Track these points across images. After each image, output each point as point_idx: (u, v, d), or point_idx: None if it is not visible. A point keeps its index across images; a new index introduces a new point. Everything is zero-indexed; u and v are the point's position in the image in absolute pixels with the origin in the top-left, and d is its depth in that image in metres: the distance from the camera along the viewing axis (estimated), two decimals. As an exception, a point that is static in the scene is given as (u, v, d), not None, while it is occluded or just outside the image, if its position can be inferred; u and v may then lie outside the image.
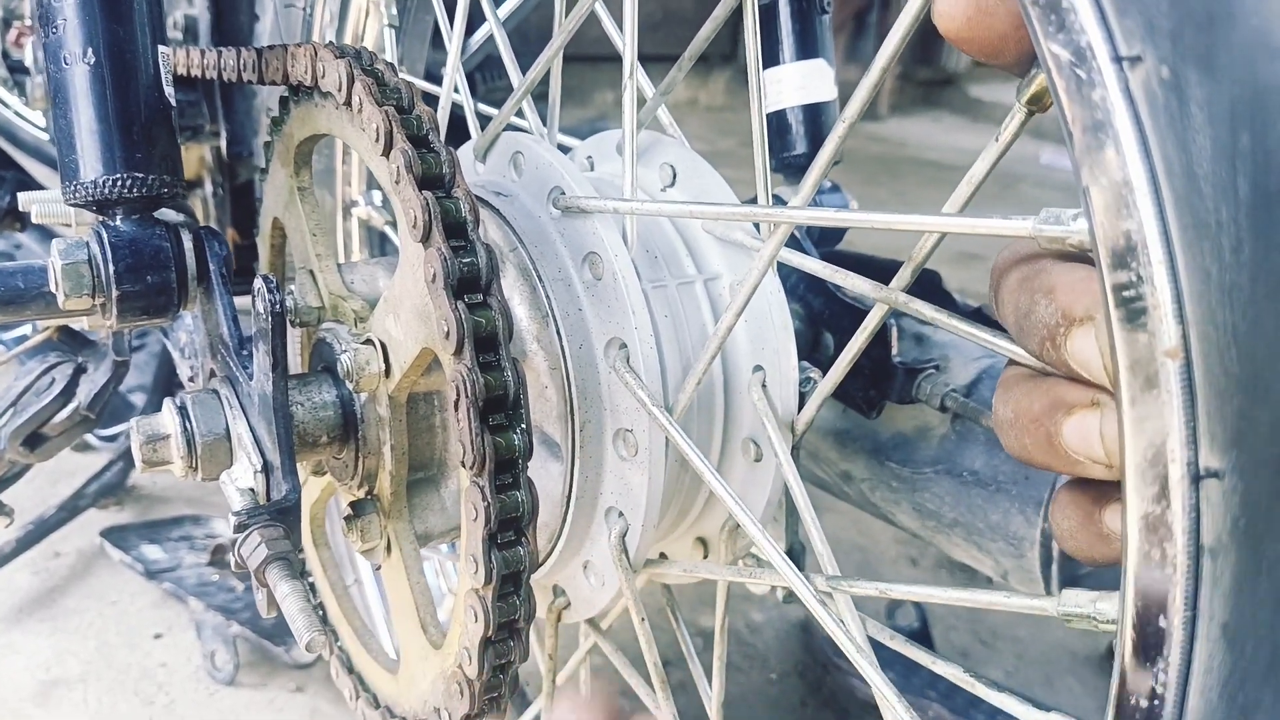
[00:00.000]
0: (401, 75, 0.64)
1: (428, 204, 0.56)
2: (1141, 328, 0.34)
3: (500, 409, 0.55)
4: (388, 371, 0.65)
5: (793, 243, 0.89)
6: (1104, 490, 0.43)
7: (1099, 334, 0.38)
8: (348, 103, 0.62)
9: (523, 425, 0.56)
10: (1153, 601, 0.36)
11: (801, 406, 0.68)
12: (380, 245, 1.29)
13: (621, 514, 0.65)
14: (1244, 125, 0.33)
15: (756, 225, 0.66)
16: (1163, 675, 0.36)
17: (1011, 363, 0.47)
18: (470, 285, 0.56)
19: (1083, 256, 0.41)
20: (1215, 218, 0.33)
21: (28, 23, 2.08)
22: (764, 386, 0.67)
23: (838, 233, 0.97)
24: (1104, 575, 0.75)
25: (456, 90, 0.84)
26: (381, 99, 0.60)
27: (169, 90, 0.69)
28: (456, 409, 0.54)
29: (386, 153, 0.59)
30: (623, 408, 0.63)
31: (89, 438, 1.86)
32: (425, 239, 0.56)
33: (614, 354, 0.62)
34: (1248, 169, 0.33)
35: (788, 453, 0.63)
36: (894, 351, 0.81)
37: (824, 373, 0.72)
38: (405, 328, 0.62)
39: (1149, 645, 0.37)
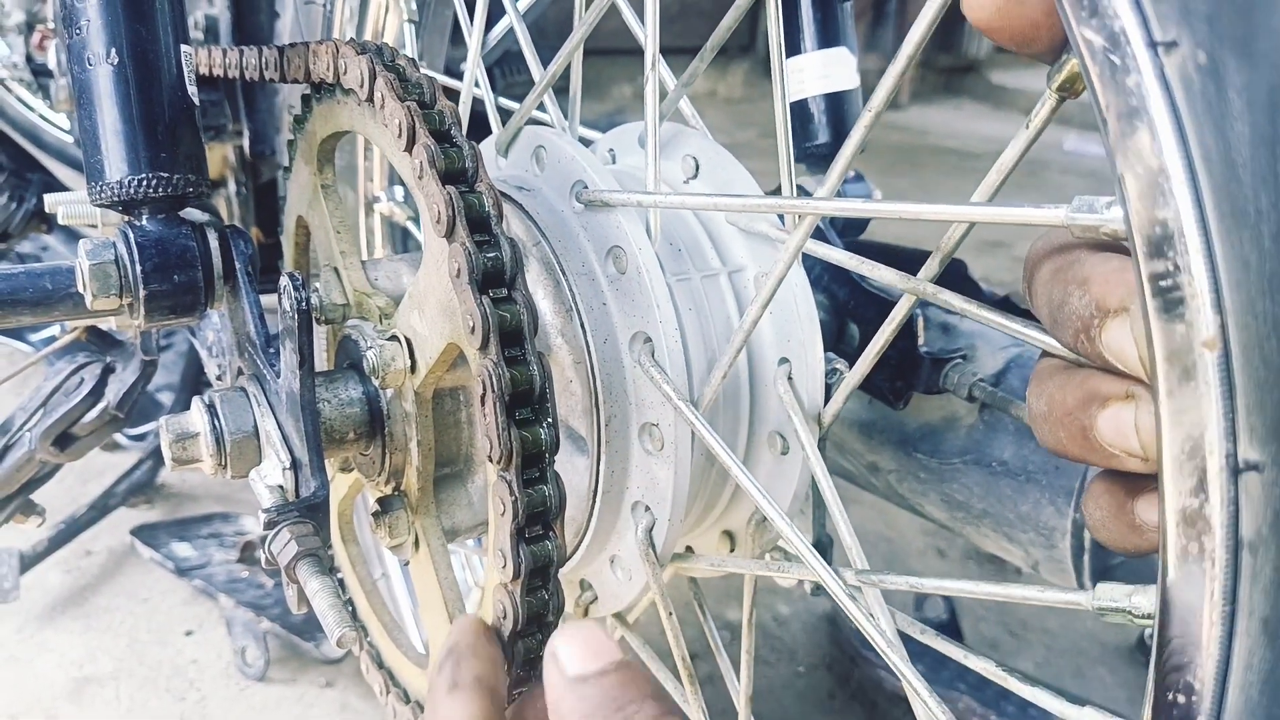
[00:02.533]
0: (422, 70, 0.64)
1: (451, 199, 0.55)
2: (1179, 318, 0.34)
3: (526, 403, 0.55)
4: (413, 367, 0.65)
5: (818, 234, 0.88)
6: (1138, 481, 0.42)
7: (1134, 325, 0.38)
8: (370, 99, 0.62)
9: (549, 419, 0.55)
10: (1190, 597, 0.36)
11: (828, 399, 0.67)
12: (403, 241, 1.30)
13: (648, 508, 0.65)
14: None
15: (781, 217, 0.66)
16: (1201, 671, 0.36)
17: (1044, 354, 0.47)
18: (495, 280, 0.56)
19: (1117, 246, 0.41)
20: (1255, 205, 0.32)
21: (51, 26, 2.10)
22: (790, 379, 0.66)
23: (861, 223, 0.96)
24: (1137, 565, 0.74)
25: (477, 85, 0.84)
26: (404, 95, 0.60)
27: (192, 90, 0.70)
28: (483, 404, 0.54)
29: (409, 148, 0.59)
30: (648, 402, 0.63)
31: (118, 437, 1.88)
32: (449, 234, 0.56)
33: (639, 348, 0.62)
34: None
35: (814, 446, 0.63)
36: (920, 341, 0.80)
37: (850, 364, 0.72)
38: (430, 323, 0.62)
39: (1186, 641, 0.36)
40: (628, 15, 0.72)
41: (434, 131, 0.58)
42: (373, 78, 0.61)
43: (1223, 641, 0.35)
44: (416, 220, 1.21)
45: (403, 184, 1.24)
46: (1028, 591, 0.48)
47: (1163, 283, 0.34)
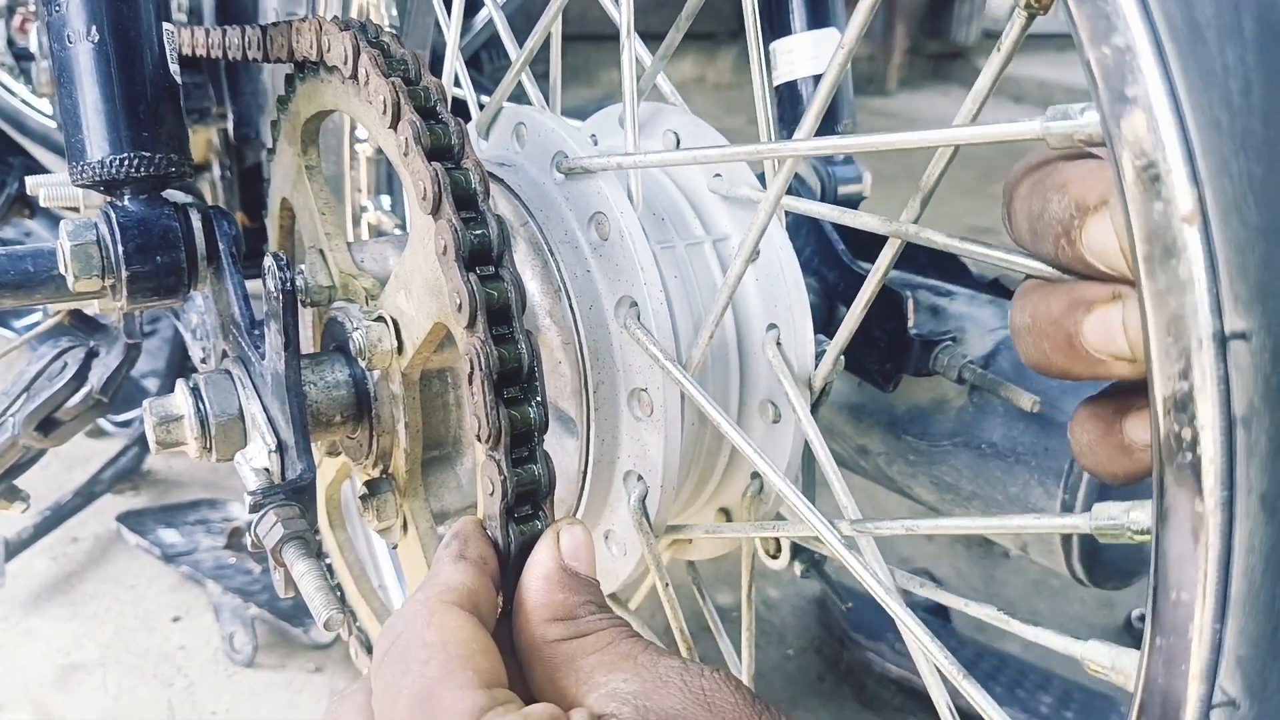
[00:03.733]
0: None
1: (437, 175, 0.55)
2: (1157, 195, 0.33)
3: (515, 382, 0.55)
4: (400, 348, 0.64)
5: (802, 193, 0.88)
6: (1124, 400, 0.42)
7: (1114, 217, 0.37)
8: (354, 76, 0.61)
9: (538, 398, 0.55)
10: (1186, 491, 0.35)
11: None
12: (388, 182, 1.29)
13: (640, 477, 0.65)
14: None
15: (761, 180, 0.65)
16: (1203, 564, 0.35)
17: (1028, 277, 0.46)
18: (482, 257, 0.55)
19: (1093, 153, 0.41)
20: (1221, 63, 0.32)
21: (32, 9, 2.08)
22: (779, 345, 0.66)
23: (852, 204, 0.96)
24: (1126, 548, 0.74)
25: (457, 83, 0.83)
26: (388, 71, 0.59)
27: (175, 68, 0.69)
28: (470, 382, 0.54)
29: (394, 124, 0.58)
30: (635, 366, 0.63)
31: (103, 423, 1.86)
32: (435, 211, 0.55)
33: (624, 312, 0.62)
34: (1251, 4, 0.32)
35: (806, 409, 0.62)
36: (910, 324, 0.80)
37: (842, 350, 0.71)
38: (417, 303, 0.61)
39: (1185, 537, 0.35)
40: None
41: (419, 108, 0.58)
42: (356, 54, 0.60)
43: (1223, 529, 0.34)
44: (404, 227, 1.20)
45: (390, 193, 1.24)
46: (1024, 520, 0.48)
47: (1138, 162, 0.34)
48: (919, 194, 0.53)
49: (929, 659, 0.51)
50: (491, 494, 0.54)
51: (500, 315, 0.55)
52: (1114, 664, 0.42)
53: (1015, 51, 0.45)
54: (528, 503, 0.55)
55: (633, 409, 0.64)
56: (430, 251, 0.57)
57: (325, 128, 1.05)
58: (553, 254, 0.65)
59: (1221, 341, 0.33)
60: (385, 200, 1.23)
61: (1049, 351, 0.43)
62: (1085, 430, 0.44)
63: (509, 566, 0.54)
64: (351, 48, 0.61)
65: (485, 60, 2.47)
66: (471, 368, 0.54)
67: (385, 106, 0.58)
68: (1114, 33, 0.33)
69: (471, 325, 0.54)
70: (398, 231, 1.21)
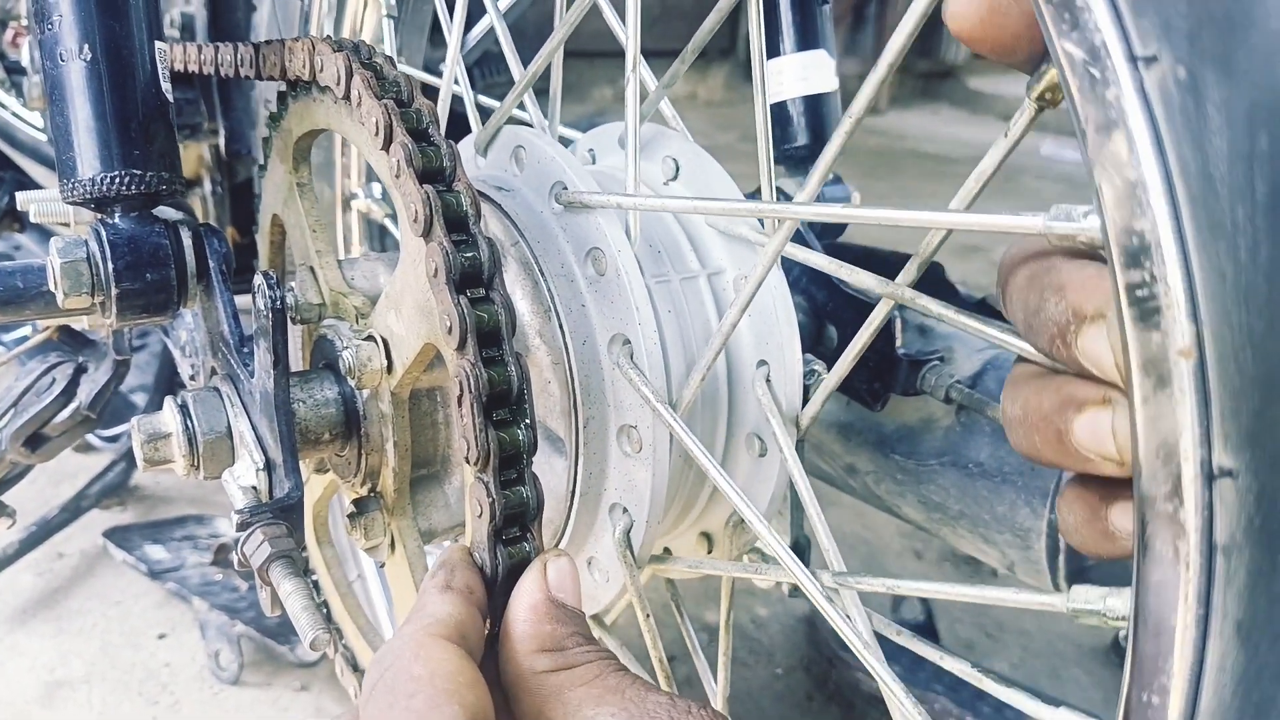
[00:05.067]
0: (401, 66, 0.64)
1: (429, 198, 0.55)
2: (1155, 326, 0.34)
3: (504, 404, 0.55)
4: (390, 368, 0.65)
5: (797, 237, 0.89)
6: (1111, 488, 0.43)
7: (1110, 332, 0.38)
8: (346, 97, 0.61)
9: (527, 420, 0.55)
10: (1164, 600, 0.36)
11: (806, 400, 0.67)
12: (381, 239, 1.29)
13: (626, 510, 0.65)
14: (1262, 127, 0.32)
15: (761, 220, 0.66)
16: (1174, 673, 0.36)
17: (1020, 360, 0.47)
18: (472, 280, 0.55)
19: (1093, 254, 0.41)
20: (1231, 219, 0.32)
21: (24, 23, 2.08)
22: (768, 381, 0.66)
23: (841, 225, 0.96)
24: (1112, 565, 0.74)
25: (456, 83, 0.83)
26: (381, 92, 0.60)
27: (166, 86, 0.69)
28: (460, 404, 0.54)
29: (386, 147, 0.58)
30: (626, 403, 0.63)
31: (91, 438, 1.86)
32: (426, 233, 0.56)
33: (617, 350, 0.62)
34: (1265, 171, 0.32)
35: (792, 448, 0.63)
36: (898, 343, 0.80)
37: (828, 365, 0.72)
38: (407, 323, 0.62)
39: (1160, 644, 0.36)
40: (609, 16, 0.72)
41: (411, 130, 0.58)
42: (349, 75, 0.61)
43: (1196, 644, 0.35)
44: (394, 217, 1.20)
45: (380, 181, 1.23)
46: (1004, 593, 0.48)
47: (1139, 292, 0.34)
48: (915, 260, 0.53)
49: (905, 714, 0.51)
50: (480, 516, 0.55)
51: (490, 338, 0.55)
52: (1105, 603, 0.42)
53: (1020, 141, 0.45)
54: (516, 525, 0.55)
55: (622, 445, 0.64)
56: (421, 273, 0.57)
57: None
58: (545, 280, 0.65)
59: (1209, 476, 0.33)
60: (376, 188, 1.22)
61: (1039, 445, 0.43)
62: (1072, 511, 0.44)
63: (496, 589, 0.54)
64: (344, 68, 0.61)
65: (478, 77, 2.48)
66: (461, 390, 0.54)
67: (378, 128, 0.58)
68: (1125, 167, 0.34)
69: (462, 347, 0.54)
70: (386, 220, 1.21)
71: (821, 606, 0.55)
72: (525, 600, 0.52)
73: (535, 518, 0.56)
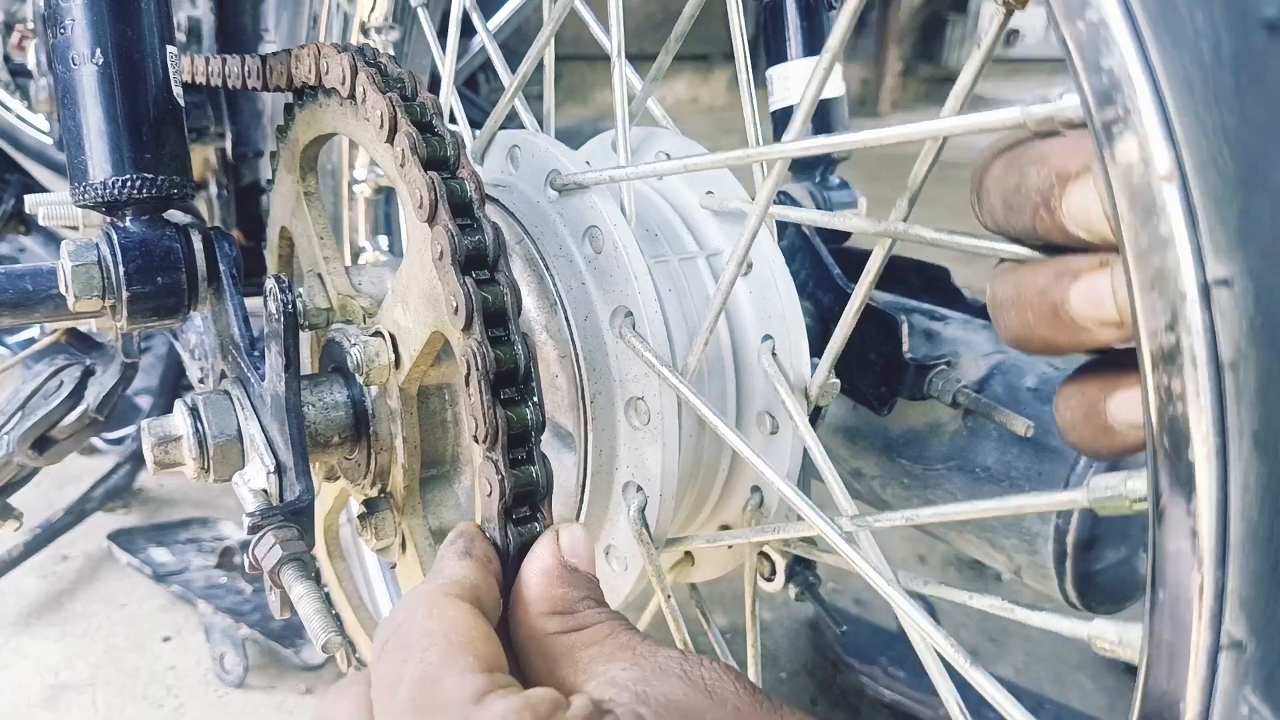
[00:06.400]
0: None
1: (433, 183, 0.56)
2: (1137, 159, 0.34)
3: (511, 383, 0.55)
4: (397, 362, 0.65)
5: (792, 203, 0.89)
6: (1108, 379, 0.43)
7: (1097, 181, 0.38)
8: (351, 96, 0.62)
9: (534, 399, 0.55)
10: (1180, 439, 0.35)
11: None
12: (386, 223, 1.29)
13: (640, 488, 0.65)
14: None
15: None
16: (1202, 513, 0.35)
17: (1002, 261, 0.47)
18: (477, 261, 0.56)
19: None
20: (1192, 25, 0.33)
21: (30, 26, 2.08)
22: (774, 355, 0.66)
23: (843, 233, 0.96)
24: (1119, 569, 0.74)
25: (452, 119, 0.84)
26: (385, 88, 0.60)
27: (178, 90, 0.69)
28: (467, 384, 0.54)
29: (391, 138, 0.59)
30: (631, 375, 0.63)
31: (95, 440, 1.86)
32: (431, 218, 0.56)
33: (619, 322, 0.62)
34: None
35: (803, 415, 0.63)
36: (905, 348, 0.81)
37: (834, 372, 0.72)
38: (414, 314, 0.62)
39: (1182, 490, 0.36)
40: (587, 17, 0.73)
41: (416, 122, 0.59)
42: (354, 73, 0.61)
43: (1219, 475, 0.34)
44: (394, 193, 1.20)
45: (388, 233, 1.25)
46: (1021, 500, 0.49)
47: (1115, 128, 0.35)
48: (907, 193, 0.54)
49: (932, 647, 0.51)
50: (490, 494, 0.55)
51: (496, 317, 0.55)
52: (1121, 639, 0.42)
53: (994, 47, 0.46)
54: (525, 504, 0.56)
55: (630, 418, 0.64)
56: (427, 260, 0.58)
57: (323, 168, 1.06)
58: (548, 269, 0.66)
59: (1205, 290, 0.34)
60: (383, 240, 1.24)
61: (1033, 323, 0.43)
62: (1069, 407, 0.44)
63: (507, 567, 0.54)
64: (349, 67, 0.62)
65: (482, 81, 2.48)
66: (468, 369, 0.54)
67: (382, 121, 0.59)
68: (1087, 8, 0.35)
69: (468, 327, 0.54)
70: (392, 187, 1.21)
71: (845, 552, 0.55)
72: (537, 564, 0.52)
73: (545, 496, 0.56)
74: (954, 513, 0.52)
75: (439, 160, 0.58)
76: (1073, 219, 0.40)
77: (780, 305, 0.67)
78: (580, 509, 0.68)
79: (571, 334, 0.64)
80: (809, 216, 0.60)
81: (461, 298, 0.54)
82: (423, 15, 0.90)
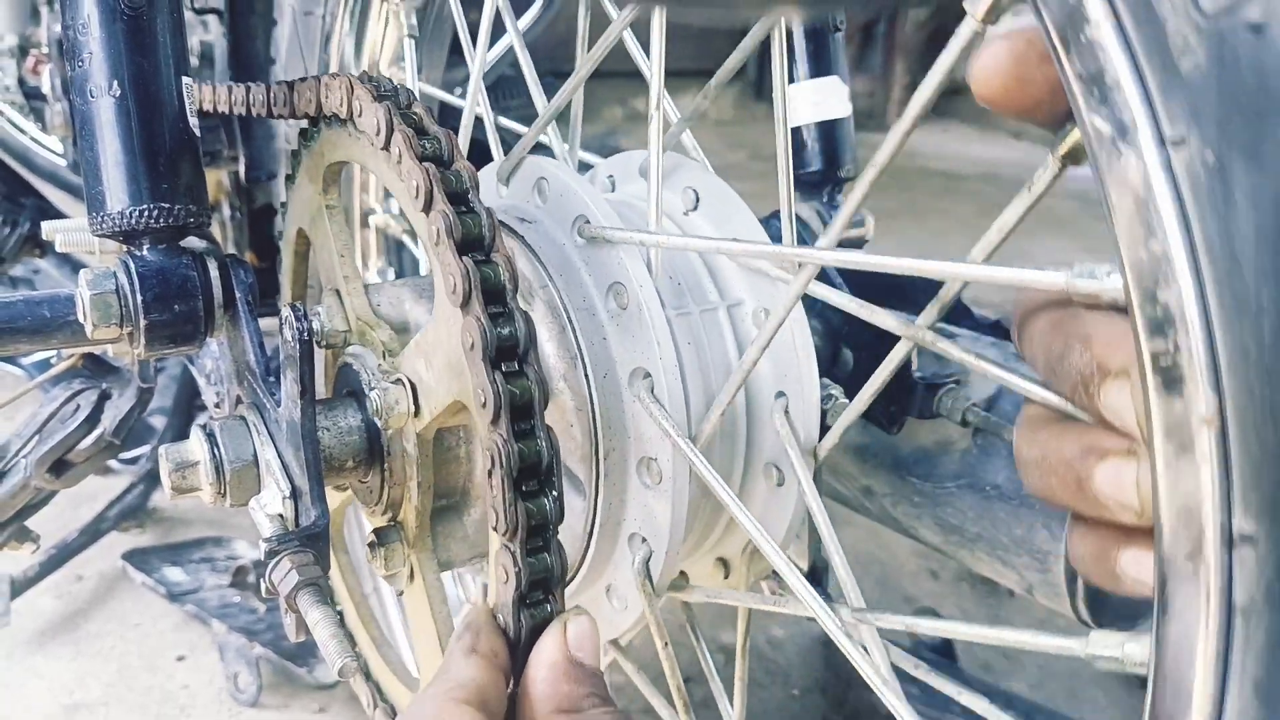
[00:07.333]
0: (421, 85, 0.64)
1: (468, 273, 0.56)
2: (1178, 394, 0.34)
3: (534, 476, 0.56)
4: (417, 412, 0.65)
5: (821, 274, 0.89)
6: (1122, 533, 0.43)
7: (1134, 392, 0.38)
8: (386, 148, 0.62)
9: (555, 491, 0.56)
10: (1183, 660, 0.36)
11: (823, 430, 0.68)
12: (398, 253, 1.30)
13: (645, 540, 0.65)
14: None
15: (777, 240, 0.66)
16: None
17: (1030, 402, 0.47)
18: (508, 354, 0.56)
19: (1117, 308, 0.41)
20: (1256, 300, 0.32)
21: (44, 51, 2.10)
22: (786, 413, 0.67)
23: (854, 247, 0.97)
24: (1131, 599, 0.74)
25: (479, 118, 0.85)
26: (421, 153, 0.60)
27: (193, 120, 0.70)
28: (490, 477, 0.55)
29: (426, 210, 0.59)
30: (647, 436, 0.63)
31: (110, 460, 1.87)
32: (464, 305, 0.56)
33: (638, 383, 0.63)
34: None
35: (810, 479, 0.63)
36: (914, 367, 0.81)
37: (844, 390, 0.72)
38: (437, 376, 0.62)
39: (1179, 701, 0.37)
40: (635, 51, 0.73)
41: (450, 193, 0.58)
42: (390, 130, 0.61)
43: (1215, 701, 0.35)
44: (412, 234, 1.21)
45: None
46: (1022, 636, 0.49)
47: (1163, 361, 0.35)
48: (936, 303, 0.54)
49: None
50: (505, 583, 0.56)
51: (522, 412, 0.55)
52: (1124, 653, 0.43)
53: (1043, 196, 0.45)
54: (540, 589, 0.56)
55: (642, 476, 0.64)
56: (455, 340, 0.58)
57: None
58: (571, 321, 0.66)
59: (1229, 541, 0.34)
60: (395, 204, 1.23)
61: (1056, 488, 0.44)
62: (1082, 544, 0.45)
63: (519, 649, 0.55)
64: (385, 122, 0.61)
65: (493, 99, 2.49)
66: (492, 464, 0.55)
67: (418, 192, 0.59)
68: (1152, 238, 0.34)
69: (495, 422, 0.55)
70: (404, 237, 1.21)
71: (839, 640, 0.56)
72: (545, 659, 0.54)
73: (559, 584, 0.57)
74: (954, 630, 0.54)
75: (473, 240, 0.58)
76: (1109, 410, 0.40)
77: (798, 366, 0.67)
78: (586, 553, 0.68)
79: (590, 389, 0.64)
80: (838, 300, 0.60)
81: (490, 395, 0.54)
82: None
